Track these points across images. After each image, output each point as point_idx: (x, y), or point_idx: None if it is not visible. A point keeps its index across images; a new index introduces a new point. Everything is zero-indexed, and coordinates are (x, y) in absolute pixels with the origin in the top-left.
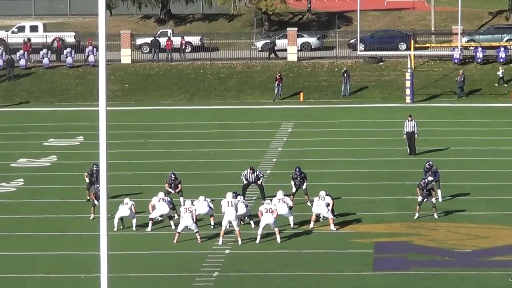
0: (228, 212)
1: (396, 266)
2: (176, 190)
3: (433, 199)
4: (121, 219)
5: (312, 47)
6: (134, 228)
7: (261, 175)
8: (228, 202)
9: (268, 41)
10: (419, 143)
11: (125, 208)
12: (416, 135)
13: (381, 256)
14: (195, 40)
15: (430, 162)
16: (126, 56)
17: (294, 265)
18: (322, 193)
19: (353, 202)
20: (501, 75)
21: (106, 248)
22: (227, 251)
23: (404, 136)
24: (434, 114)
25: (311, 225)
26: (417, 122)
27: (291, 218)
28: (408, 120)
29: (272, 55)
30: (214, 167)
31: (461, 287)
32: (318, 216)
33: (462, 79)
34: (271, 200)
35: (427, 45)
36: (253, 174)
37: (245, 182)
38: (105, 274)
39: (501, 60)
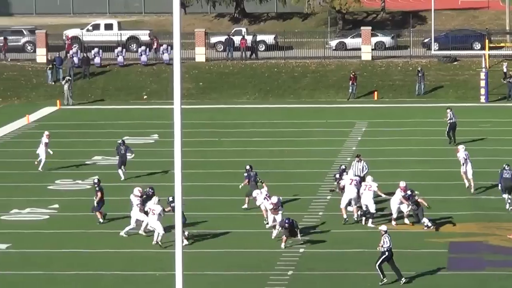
0: (350, 190)
1: (470, 266)
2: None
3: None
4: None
5: (386, 46)
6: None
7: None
8: (350, 179)
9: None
10: (488, 143)
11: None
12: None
13: (455, 256)
14: (269, 38)
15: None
16: (200, 54)
17: (369, 264)
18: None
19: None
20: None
21: (181, 246)
22: (301, 250)
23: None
24: (508, 114)
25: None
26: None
27: (372, 208)
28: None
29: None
30: (287, 166)
31: None
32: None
33: (420, 74)
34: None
35: (502, 44)
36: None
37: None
38: (180, 272)
39: None
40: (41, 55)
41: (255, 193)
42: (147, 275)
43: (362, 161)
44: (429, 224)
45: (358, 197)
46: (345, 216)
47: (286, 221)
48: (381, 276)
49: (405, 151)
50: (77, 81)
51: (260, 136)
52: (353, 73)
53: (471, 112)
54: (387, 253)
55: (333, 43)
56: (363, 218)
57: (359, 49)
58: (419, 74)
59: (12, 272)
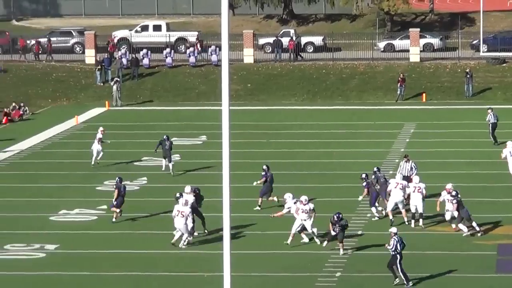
0: (396, 194)
1: None
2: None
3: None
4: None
5: (435, 47)
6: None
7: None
8: (396, 183)
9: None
10: None
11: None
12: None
13: (504, 258)
14: (317, 40)
15: None
16: (248, 55)
17: (417, 266)
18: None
19: (475, 203)
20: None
21: (229, 247)
22: (349, 251)
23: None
24: None
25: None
26: None
27: (420, 209)
28: None
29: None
30: (336, 168)
31: None
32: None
33: (469, 76)
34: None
35: None
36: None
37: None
38: (228, 273)
39: None
40: (90, 56)
41: (287, 195)
42: (195, 276)
43: (410, 161)
44: (469, 233)
45: (404, 199)
46: (391, 217)
47: (337, 215)
48: (404, 280)
49: (453, 152)
50: (126, 82)
51: (308, 138)
52: (401, 75)
53: None
54: (398, 255)
55: (382, 44)
56: (413, 221)
57: (408, 50)
58: (468, 76)
59: (60, 273)
